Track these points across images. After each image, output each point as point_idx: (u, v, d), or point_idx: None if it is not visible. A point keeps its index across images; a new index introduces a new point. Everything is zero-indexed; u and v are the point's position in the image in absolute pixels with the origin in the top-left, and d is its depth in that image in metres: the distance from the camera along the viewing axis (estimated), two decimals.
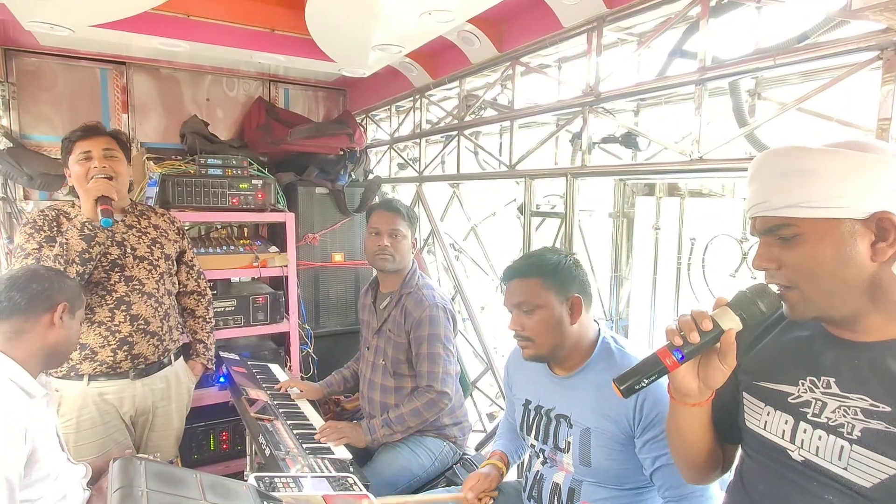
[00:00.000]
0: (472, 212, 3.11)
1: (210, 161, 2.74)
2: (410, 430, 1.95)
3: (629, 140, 1.95)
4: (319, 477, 1.46)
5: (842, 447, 0.81)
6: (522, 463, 1.84)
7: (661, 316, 2.08)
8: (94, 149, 1.81)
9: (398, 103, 3.21)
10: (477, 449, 2.66)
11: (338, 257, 3.14)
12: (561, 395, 1.44)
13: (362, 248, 2.20)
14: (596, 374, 1.38)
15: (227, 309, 2.66)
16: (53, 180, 2.69)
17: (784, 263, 0.85)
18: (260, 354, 2.77)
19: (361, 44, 2.24)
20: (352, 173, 3.26)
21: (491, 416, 3.02)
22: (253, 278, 2.99)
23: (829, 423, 0.83)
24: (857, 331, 0.85)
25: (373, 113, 3.51)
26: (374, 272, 2.23)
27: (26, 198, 2.79)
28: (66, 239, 1.68)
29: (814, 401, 0.86)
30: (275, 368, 2.54)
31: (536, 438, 1.48)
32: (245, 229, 3.06)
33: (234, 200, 2.69)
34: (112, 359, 1.84)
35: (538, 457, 1.50)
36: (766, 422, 0.93)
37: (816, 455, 0.84)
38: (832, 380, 0.85)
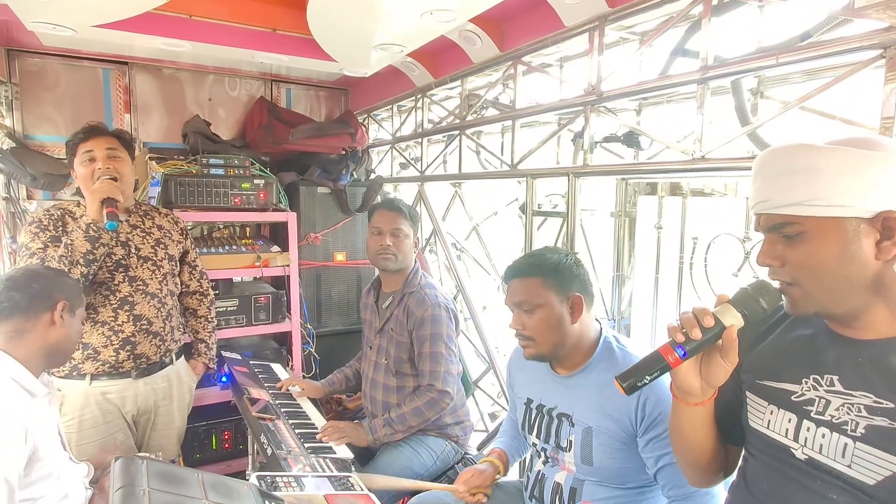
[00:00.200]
0: (473, 211, 3.11)
1: (212, 161, 2.74)
2: (412, 430, 1.95)
3: (631, 139, 1.95)
4: (321, 476, 1.46)
5: (846, 445, 0.80)
6: (524, 462, 1.84)
7: (663, 315, 2.08)
8: (96, 149, 1.81)
9: (400, 103, 3.21)
10: (479, 448, 2.65)
11: (340, 257, 3.14)
12: (563, 394, 1.44)
13: (364, 248, 2.21)
14: (598, 374, 1.38)
15: (229, 308, 2.67)
16: (56, 180, 2.70)
17: (788, 261, 0.85)
18: (262, 354, 2.77)
19: (363, 43, 2.24)
20: (354, 173, 3.26)
21: (493, 416, 3.01)
22: (255, 278, 2.99)
23: (833, 420, 0.83)
24: (860, 328, 0.84)
25: (374, 112, 3.51)
26: (377, 272, 2.23)
27: (29, 198, 2.80)
28: (72, 240, 1.68)
29: (817, 399, 0.85)
30: (277, 368, 2.54)
31: (538, 437, 1.48)
32: (247, 229, 3.06)
33: (237, 200, 2.70)
34: (115, 359, 1.84)
35: (540, 456, 1.50)
36: (769, 420, 0.92)
37: (820, 453, 0.84)
38: (835, 377, 0.84)
